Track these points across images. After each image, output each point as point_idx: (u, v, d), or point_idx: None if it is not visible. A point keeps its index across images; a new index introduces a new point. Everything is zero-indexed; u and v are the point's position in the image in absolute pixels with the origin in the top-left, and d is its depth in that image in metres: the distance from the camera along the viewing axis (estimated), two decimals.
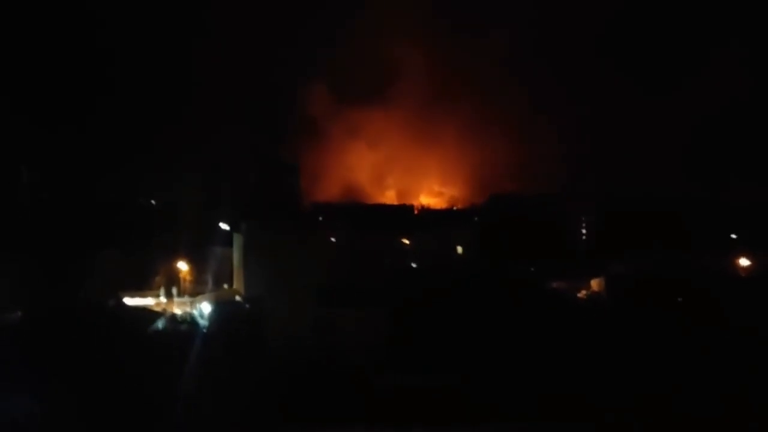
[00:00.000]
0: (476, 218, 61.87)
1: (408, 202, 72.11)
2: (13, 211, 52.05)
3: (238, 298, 53.21)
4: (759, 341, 40.09)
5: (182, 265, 54.63)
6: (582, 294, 52.72)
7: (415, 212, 66.43)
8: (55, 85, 63.82)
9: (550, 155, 67.49)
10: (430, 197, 74.39)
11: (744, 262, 52.49)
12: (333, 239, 56.05)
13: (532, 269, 53.68)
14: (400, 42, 69.72)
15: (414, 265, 54.57)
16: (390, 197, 74.60)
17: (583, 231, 60.00)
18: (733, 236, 57.11)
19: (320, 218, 59.99)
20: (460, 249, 57.15)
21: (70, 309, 44.54)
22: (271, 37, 70.20)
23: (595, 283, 52.99)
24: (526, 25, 69.90)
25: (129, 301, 50.68)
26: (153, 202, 62.83)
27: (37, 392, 31.76)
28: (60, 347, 37.16)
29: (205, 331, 45.84)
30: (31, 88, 62.47)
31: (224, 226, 56.45)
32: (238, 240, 54.91)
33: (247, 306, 51.16)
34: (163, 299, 52.79)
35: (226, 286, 55.16)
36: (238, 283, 54.73)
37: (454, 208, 69.38)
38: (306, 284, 47.94)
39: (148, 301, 51.85)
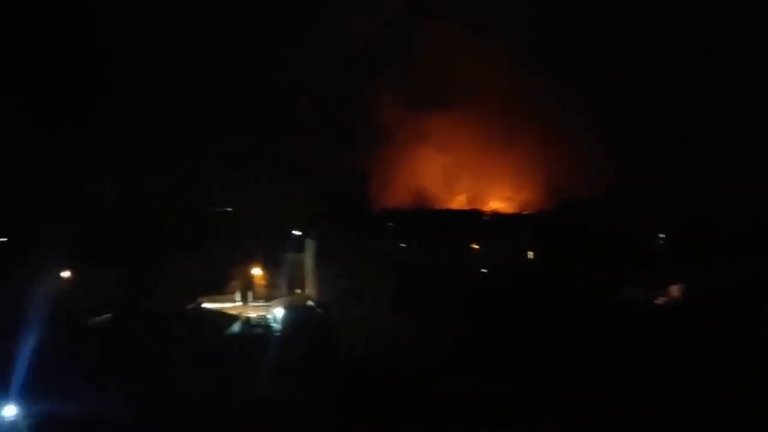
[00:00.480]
0: (547, 222, 60.88)
1: (478, 207, 71.73)
2: (104, 220, 54.89)
3: (310, 302, 54.11)
4: None
5: (257, 271, 56.42)
6: (660, 301, 51.12)
7: (485, 217, 65.93)
8: (133, 99, 66.37)
9: (625, 158, 65.88)
10: (500, 202, 73.68)
11: None
12: (403, 245, 56.45)
13: (606, 275, 52.46)
14: (468, 45, 69.58)
15: (484, 271, 54.27)
16: (460, 202, 74.38)
17: (661, 236, 58.14)
18: None
19: (390, 224, 60.48)
20: (531, 254, 56.43)
21: (154, 312, 46.74)
22: (340, 45, 71.36)
23: (674, 290, 51.26)
24: (600, 24, 68.63)
25: (207, 304, 52.54)
26: (229, 209, 64.96)
27: (122, 391, 33.13)
28: (144, 348, 38.95)
29: (278, 334, 47.38)
30: (109, 102, 65.03)
31: (296, 232, 57.79)
32: (310, 246, 56.14)
33: (319, 311, 52.17)
34: (238, 303, 54.67)
35: (298, 291, 56.47)
36: (310, 288, 55.82)
37: (525, 212, 68.42)
38: (376, 290, 49.01)
39: (224, 305, 53.67)
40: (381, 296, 47.43)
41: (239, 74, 69.20)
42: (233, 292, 54.85)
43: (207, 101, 68.12)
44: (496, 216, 66.97)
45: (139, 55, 68.16)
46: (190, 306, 50.46)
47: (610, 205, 60.72)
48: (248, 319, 50.02)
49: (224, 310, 52.03)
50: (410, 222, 59.95)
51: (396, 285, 48.75)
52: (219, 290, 54.48)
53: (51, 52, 66.21)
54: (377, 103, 71.75)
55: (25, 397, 31.19)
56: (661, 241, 57.53)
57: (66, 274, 51.22)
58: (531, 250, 56.37)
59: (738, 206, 57.07)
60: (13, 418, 30.95)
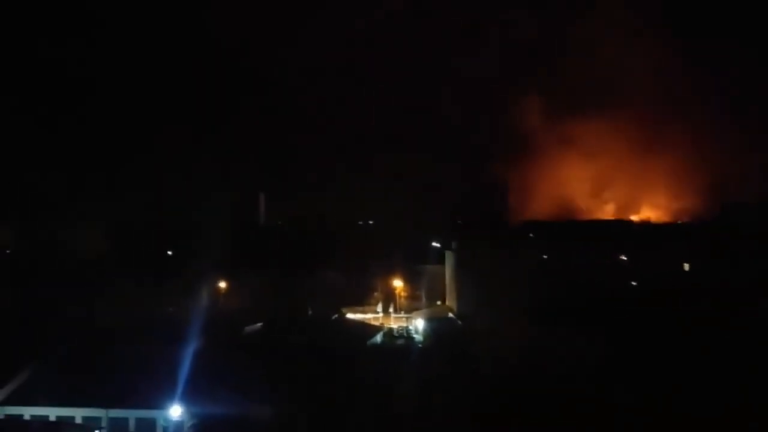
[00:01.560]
0: (706, 232, 56.21)
1: (628, 216, 67.91)
2: (255, 235, 57.97)
3: (450, 314, 54.32)
4: None
5: (397, 282, 57.34)
6: None
7: (635, 227, 62.12)
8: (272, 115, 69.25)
9: None
10: (652, 210, 69.22)
11: None
12: (545, 256, 54.63)
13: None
14: (619, 48, 66.41)
15: (634, 284, 51.22)
16: (608, 212, 70.75)
17: None
18: None
19: (531, 235, 58.80)
20: (687, 266, 52.48)
21: (302, 322, 49.00)
22: (481, 54, 70.52)
23: None
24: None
25: (350, 315, 54.20)
26: (371, 222, 66.33)
27: (270, 396, 34.40)
28: (292, 356, 40.43)
29: (419, 345, 47.86)
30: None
31: (436, 244, 57.78)
32: (449, 258, 56.15)
33: (460, 322, 51.65)
34: (380, 314, 55.95)
35: (438, 302, 56.65)
36: (450, 300, 55.87)
37: (680, 221, 63.63)
38: (517, 302, 48.08)
39: (366, 316, 55.10)
40: (520, 308, 46.15)
41: (382, 83, 70.30)
42: (375, 304, 56.40)
43: (346, 115, 70.11)
44: (648, 225, 63.03)
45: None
46: (335, 317, 52.06)
47: None
48: (390, 330, 50.96)
49: (367, 321, 53.42)
50: (552, 233, 57.98)
51: (537, 297, 47.22)
52: (361, 301, 56.15)
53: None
54: (521, 109, 70.23)
55: (187, 399, 33.33)
56: None
57: (223, 284, 55.21)
58: (687, 262, 52.42)
59: None
60: (178, 419, 33.10)
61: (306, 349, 41.28)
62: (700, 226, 57.47)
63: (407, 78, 71.40)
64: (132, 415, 33.23)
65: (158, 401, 32.76)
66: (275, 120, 69.38)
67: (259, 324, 48.24)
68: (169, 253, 57.45)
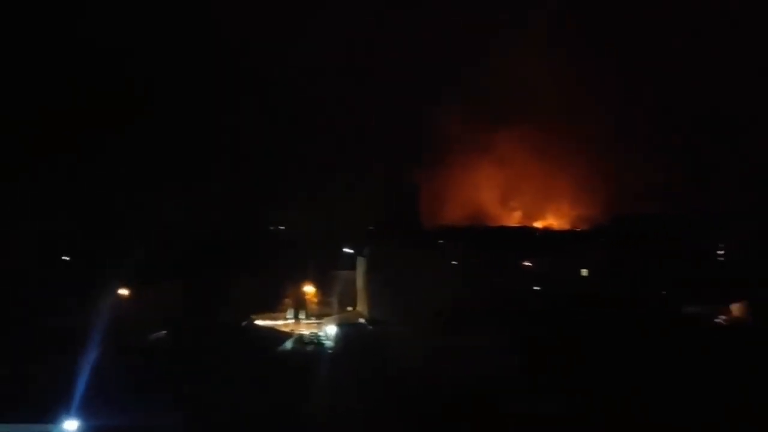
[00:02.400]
0: (602, 239, 59.47)
1: (534, 224, 70.54)
2: (158, 238, 56.42)
3: (361, 320, 54.13)
4: None
5: (308, 288, 57.01)
6: (721, 319, 49.24)
7: (538, 234, 64.81)
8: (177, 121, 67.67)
9: (684, 174, 63.90)
10: (555, 219, 72.35)
11: None
12: (455, 262, 56.00)
13: (664, 293, 50.86)
14: (530, 61, 68.82)
15: (537, 289, 53.35)
16: (516, 219, 73.30)
17: (721, 252, 55.97)
18: None
19: (442, 241, 60.14)
20: (585, 272, 55.18)
21: (207, 328, 47.42)
22: (398, 59, 71.38)
23: (735, 309, 49.33)
24: (657, 42, 67.11)
25: (259, 322, 53.37)
26: (282, 228, 65.85)
27: (174, 405, 33.79)
28: (197, 364, 39.75)
29: (330, 352, 47.73)
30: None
31: (348, 249, 58.07)
32: (361, 263, 55.99)
33: (371, 328, 52.16)
34: (290, 320, 55.13)
35: (350, 308, 56.31)
36: (361, 306, 55.61)
37: (579, 229, 66.98)
38: (428, 307, 49.10)
39: (277, 322, 54.19)
40: (432, 314, 47.16)
41: (289, 89, 69.95)
42: (285, 310, 55.65)
43: (260, 120, 69.36)
44: (550, 233, 65.80)
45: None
46: (244, 323, 51.29)
47: (670, 221, 58.90)
48: (301, 337, 50.47)
49: (277, 327, 52.72)
50: (463, 239, 59.51)
51: (447, 303, 48.39)
52: (272, 308, 55.34)
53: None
54: (435, 118, 71.51)
55: (84, 411, 32.64)
56: (721, 258, 55.53)
57: (124, 291, 52.97)
58: (585, 268, 55.14)
59: None
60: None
61: (212, 356, 40.31)
62: (596, 235, 60.74)
63: (326, 82, 71.55)
64: (22, 430, 31.43)
65: (51, 415, 31.15)
66: (194, 121, 67.82)
67: (164, 332, 47.11)
68: (66, 258, 54.80)
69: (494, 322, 46.45)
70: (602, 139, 68.85)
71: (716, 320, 48.76)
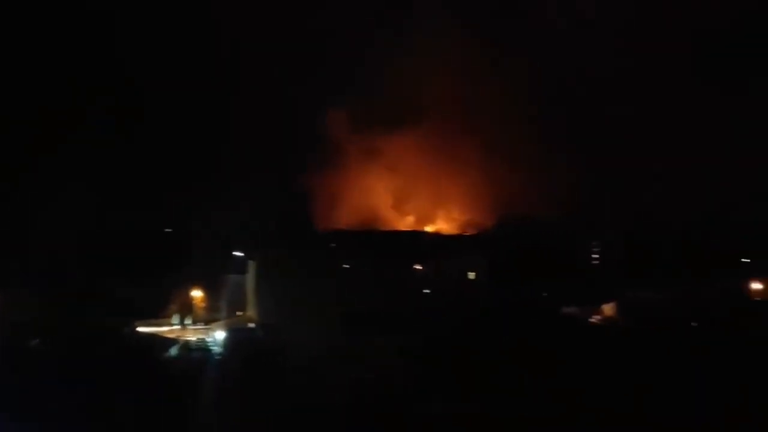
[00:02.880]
0: (489, 243, 61.55)
1: (425, 227, 71.85)
2: (34, 243, 53.18)
3: (251, 324, 53.45)
4: None
5: (196, 293, 55.35)
6: (595, 319, 52.29)
7: (428, 238, 66.18)
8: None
9: (565, 180, 67.04)
10: (445, 223, 74.09)
11: (756, 286, 51.95)
12: (347, 266, 56.20)
13: (545, 294, 53.38)
14: (422, 67, 69.86)
15: (427, 291, 54.52)
16: (408, 223, 74.39)
17: (596, 256, 59.50)
18: (745, 260, 55.46)
19: (333, 245, 60.21)
20: (472, 274, 56.91)
21: (87, 336, 45.24)
22: (288, 61, 70.54)
23: (607, 309, 52.59)
24: (544, 54, 69.85)
25: (143, 328, 51.30)
26: (169, 230, 63.63)
27: (50, 414, 32.30)
28: (75, 373, 37.83)
29: (218, 357, 46.60)
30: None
31: (239, 253, 57.04)
32: (252, 267, 55.38)
33: (260, 332, 51.40)
34: (176, 326, 53.48)
35: (240, 313, 55.45)
36: (251, 310, 54.91)
37: (467, 233, 68.90)
38: (319, 310, 48.67)
39: (162, 329, 52.39)
40: (322, 317, 47.15)
41: (177, 87, 67.75)
42: (170, 316, 53.73)
43: (147, 120, 66.92)
44: (439, 237, 67.35)
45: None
46: (125, 330, 48.88)
47: (550, 225, 61.73)
48: (187, 343, 49.19)
49: (161, 334, 50.98)
50: (355, 243, 59.81)
51: (338, 306, 48.52)
52: (156, 314, 53.07)
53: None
54: (328, 121, 71.33)
55: None
56: (596, 262, 59.01)
57: None
58: (472, 271, 56.91)
59: (667, 230, 59.18)
60: None
61: (91, 364, 38.39)
62: (482, 239, 62.81)
63: (214, 85, 69.95)
64: None
65: None
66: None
67: (37, 340, 44.42)
68: None
69: (384, 324, 47.15)
70: (491, 145, 71.19)
71: (590, 320, 51.81)
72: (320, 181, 70.22)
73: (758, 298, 51.06)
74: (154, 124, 66.71)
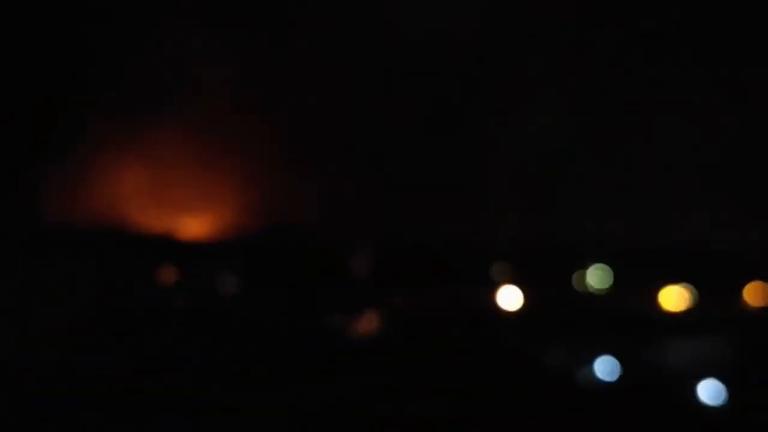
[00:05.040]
0: (247, 248, 57.81)
1: (180, 230, 65.51)
2: None
3: None
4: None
5: None
6: (360, 328, 51.44)
7: (182, 242, 60.31)
8: None
9: (328, 188, 65.17)
10: (201, 225, 68.60)
11: (509, 296, 55.35)
12: (86, 270, 48.87)
13: (309, 303, 51.30)
14: (184, 43, 62.54)
15: (178, 301, 49.29)
16: (161, 225, 67.37)
17: (360, 265, 58.76)
18: (500, 270, 58.88)
19: (70, 247, 52.02)
20: (232, 282, 52.88)
21: None
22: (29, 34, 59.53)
23: (370, 318, 52.07)
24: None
25: None
26: None
27: None
28: None
29: None
30: None
31: None
32: None
33: None
34: None
35: None
36: None
37: (223, 239, 64.19)
38: (51, 319, 41.85)
39: None
40: (55, 326, 40.06)
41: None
42: None
43: None
44: (192, 241, 61.89)
45: None
46: None
47: (314, 232, 59.75)
48: None
49: None
50: (89, 244, 52.24)
51: (73, 315, 41.63)
52: None
53: None
54: (64, 104, 61.31)
55: None
56: (362, 269, 58.32)
57: None
58: (230, 277, 52.89)
59: (440, 235, 60.20)
60: None
61: None
62: (238, 245, 58.60)
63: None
64: None
65: None
66: None
67: None
68: None
69: (124, 337, 41.44)
70: (257, 144, 66.81)
71: (356, 328, 50.83)
72: (56, 173, 60.62)
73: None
74: None
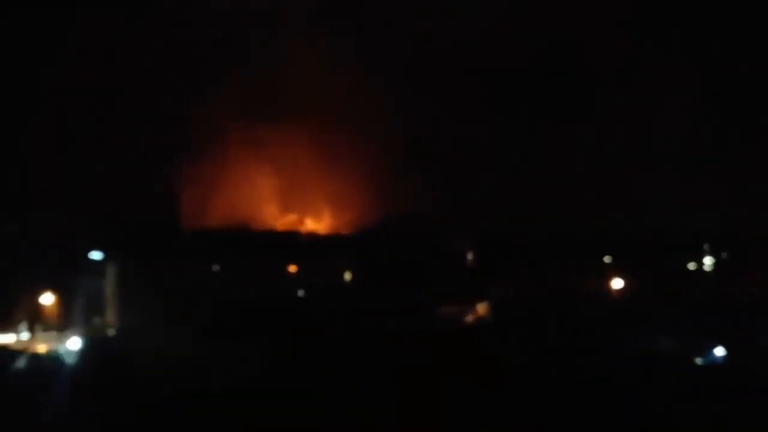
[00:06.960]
0: (365, 242, 61.28)
1: (304, 228, 70.23)
2: None
3: (110, 331, 49.88)
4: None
5: (47, 298, 50.33)
6: (469, 318, 53.51)
7: (303, 238, 64.75)
8: None
9: (435, 182, 67.56)
10: (320, 222, 72.92)
11: (617, 284, 53.81)
12: (216, 269, 53.98)
13: (421, 295, 53.88)
14: (304, 59, 67.60)
15: (300, 294, 53.40)
16: (287, 223, 72.39)
17: (469, 256, 60.71)
18: (606, 260, 56.43)
19: (202, 246, 57.47)
20: (348, 276, 56.40)
21: None
22: (161, 48, 66.38)
23: (480, 308, 54.03)
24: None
25: None
26: (14, 226, 57.98)
27: None
28: None
29: (72, 367, 42.56)
30: None
31: (97, 255, 53.03)
32: (111, 271, 51.59)
33: (119, 341, 48.26)
34: (24, 336, 49.13)
35: (98, 318, 51.12)
36: (111, 316, 51.09)
37: (343, 232, 68.11)
38: (183, 317, 46.65)
39: (7, 339, 47.79)
40: (188, 324, 44.83)
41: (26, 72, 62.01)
42: (17, 324, 48.83)
43: None
44: (315, 236, 66.12)
45: None
46: None
47: (421, 226, 62.23)
48: (35, 354, 44.94)
49: (6, 345, 46.40)
50: (225, 244, 57.50)
51: (205, 312, 46.39)
52: (4, 322, 48.18)
53: None
54: (198, 112, 67.54)
55: None
56: (470, 260, 60.33)
57: None
58: (348, 271, 56.41)
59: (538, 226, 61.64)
60: None
61: None
62: (360, 238, 62.46)
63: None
64: None
65: None
66: None
67: None
68: None
69: (255, 329, 45.54)
70: (375, 143, 70.42)
71: (465, 318, 53.03)
72: (191, 177, 66.66)
73: (618, 296, 53.22)
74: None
